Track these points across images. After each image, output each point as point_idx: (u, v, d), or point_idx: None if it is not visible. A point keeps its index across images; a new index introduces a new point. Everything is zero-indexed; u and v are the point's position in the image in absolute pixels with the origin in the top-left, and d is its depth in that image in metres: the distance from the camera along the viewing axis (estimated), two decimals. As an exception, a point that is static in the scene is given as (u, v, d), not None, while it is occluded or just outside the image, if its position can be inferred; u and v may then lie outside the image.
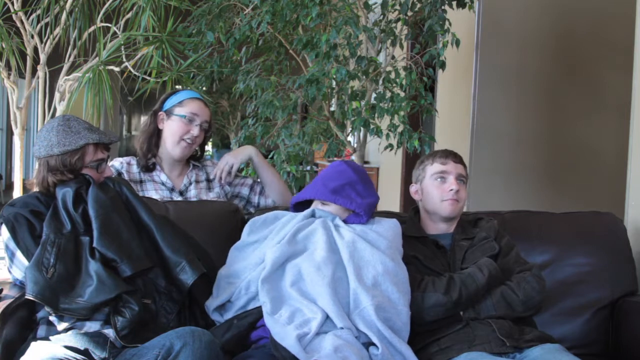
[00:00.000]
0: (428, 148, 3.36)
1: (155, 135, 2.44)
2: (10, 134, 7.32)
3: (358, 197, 2.02)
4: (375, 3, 3.18)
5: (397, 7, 3.09)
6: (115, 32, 3.20)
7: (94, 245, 1.75)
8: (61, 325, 1.69)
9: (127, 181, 2.03)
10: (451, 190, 2.07)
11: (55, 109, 3.22)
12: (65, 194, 1.79)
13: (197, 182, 2.47)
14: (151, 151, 2.44)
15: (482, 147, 4.14)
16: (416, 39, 3.27)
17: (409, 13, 3.09)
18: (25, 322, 1.76)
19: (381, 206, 2.17)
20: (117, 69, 3.19)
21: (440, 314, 1.89)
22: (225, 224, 2.21)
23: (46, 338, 1.69)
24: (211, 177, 2.51)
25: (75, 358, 1.60)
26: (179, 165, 2.47)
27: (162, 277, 1.83)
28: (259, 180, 2.57)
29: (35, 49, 3.22)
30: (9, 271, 1.85)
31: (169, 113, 2.42)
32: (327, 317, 1.75)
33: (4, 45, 3.11)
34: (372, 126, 2.96)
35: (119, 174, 2.37)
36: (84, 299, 1.67)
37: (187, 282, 1.82)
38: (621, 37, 3.53)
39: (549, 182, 4.29)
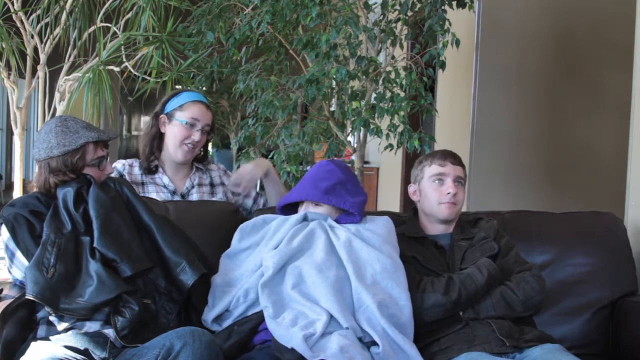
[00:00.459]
0: (428, 148, 3.36)
1: (157, 138, 2.44)
2: (10, 134, 7.30)
3: (349, 196, 2.01)
4: (375, 3, 3.18)
5: (397, 7, 3.08)
6: (115, 32, 3.21)
7: (95, 245, 1.75)
8: (61, 325, 1.69)
9: (128, 182, 2.03)
10: (448, 193, 2.07)
11: (55, 109, 3.22)
12: (66, 193, 1.79)
13: (200, 185, 2.46)
14: (153, 153, 2.43)
15: (482, 147, 4.13)
16: (416, 39, 3.26)
17: (409, 13, 3.09)
18: (25, 322, 1.76)
19: (381, 206, 2.17)
20: (117, 69, 3.19)
21: (439, 315, 1.88)
22: (225, 224, 2.20)
23: (46, 338, 1.69)
24: (225, 183, 2.48)
25: (75, 358, 1.61)
26: (182, 167, 2.46)
27: (162, 278, 1.83)
28: (260, 192, 2.56)
29: (35, 49, 3.22)
30: (9, 271, 1.85)
31: (170, 117, 2.40)
32: (331, 317, 1.74)
33: (4, 45, 3.11)
34: (372, 126, 2.95)
35: (121, 175, 2.36)
36: (84, 299, 1.67)
37: (187, 282, 1.82)
38: (621, 37, 3.53)
39: (549, 182, 4.28)
